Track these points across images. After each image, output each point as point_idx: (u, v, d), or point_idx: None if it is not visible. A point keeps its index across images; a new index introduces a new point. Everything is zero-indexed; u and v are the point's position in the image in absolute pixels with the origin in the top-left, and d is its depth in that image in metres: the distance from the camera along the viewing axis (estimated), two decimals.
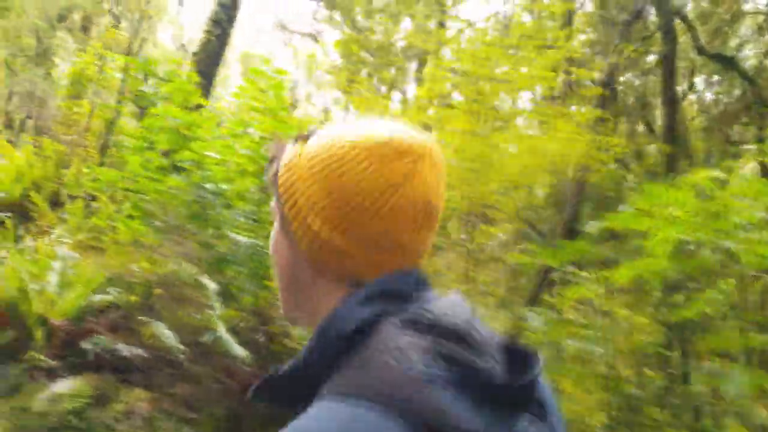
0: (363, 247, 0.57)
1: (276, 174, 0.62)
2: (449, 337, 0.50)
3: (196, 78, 5.16)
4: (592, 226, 3.20)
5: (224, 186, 3.65)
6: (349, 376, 0.50)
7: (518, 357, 0.53)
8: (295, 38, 18.66)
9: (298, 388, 0.55)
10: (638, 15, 8.38)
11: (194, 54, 7.61)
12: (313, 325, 0.57)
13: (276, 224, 0.64)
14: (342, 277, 0.58)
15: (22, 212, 6.62)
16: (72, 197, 7.20)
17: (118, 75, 9.22)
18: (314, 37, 16.86)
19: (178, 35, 20.42)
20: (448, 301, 0.56)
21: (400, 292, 0.56)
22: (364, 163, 0.56)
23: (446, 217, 7.08)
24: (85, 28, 21.79)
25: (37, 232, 5.82)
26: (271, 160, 0.63)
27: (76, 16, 22.15)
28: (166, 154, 3.87)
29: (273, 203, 0.63)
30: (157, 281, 3.60)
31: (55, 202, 7.03)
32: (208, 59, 7.20)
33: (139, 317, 3.36)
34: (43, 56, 20.66)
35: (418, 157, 0.58)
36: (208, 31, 7.26)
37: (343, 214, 0.56)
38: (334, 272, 0.59)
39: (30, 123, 18.76)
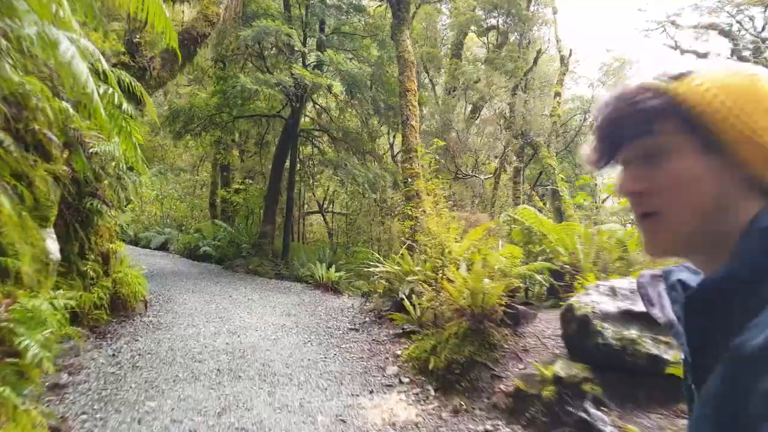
0: None
1: (707, 109, 0.64)
2: None
3: None
4: None
5: None
6: None
7: None
8: None
9: (735, 295, 0.57)
10: None
11: None
12: (716, 249, 0.63)
13: (695, 161, 0.64)
14: (763, 190, 0.62)
15: None
16: None
17: None
18: None
19: None
20: None
21: None
22: None
23: None
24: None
25: None
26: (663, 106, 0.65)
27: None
28: None
29: (665, 142, 0.65)
30: None
31: None
32: None
33: None
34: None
35: None
36: None
37: None
38: (758, 190, 0.63)
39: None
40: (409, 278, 6.46)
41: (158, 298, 8.45)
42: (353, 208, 19.64)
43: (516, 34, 17.21)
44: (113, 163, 6.12)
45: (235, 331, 6.42)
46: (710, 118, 0.63)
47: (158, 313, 7.35)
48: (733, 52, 19.94)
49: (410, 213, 7.68)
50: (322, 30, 14.21)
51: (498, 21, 17.06)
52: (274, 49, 13.59)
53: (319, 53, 12.56)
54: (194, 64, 16.94)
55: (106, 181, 6.38)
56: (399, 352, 5.24)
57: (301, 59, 13.19)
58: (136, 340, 5.79)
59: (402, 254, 6.72)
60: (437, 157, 9.39)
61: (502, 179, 16.66)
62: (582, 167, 21.49)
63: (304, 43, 13.35)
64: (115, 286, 6.62)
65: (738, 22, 19.25)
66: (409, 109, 12.09)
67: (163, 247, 18.92)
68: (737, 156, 0.62)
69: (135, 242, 20.44)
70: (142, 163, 5.13)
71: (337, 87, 12.32)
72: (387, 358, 5.20)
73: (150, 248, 19.16)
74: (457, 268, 5.37)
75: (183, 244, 17.24)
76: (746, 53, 19.22)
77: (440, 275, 5.05)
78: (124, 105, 4.45)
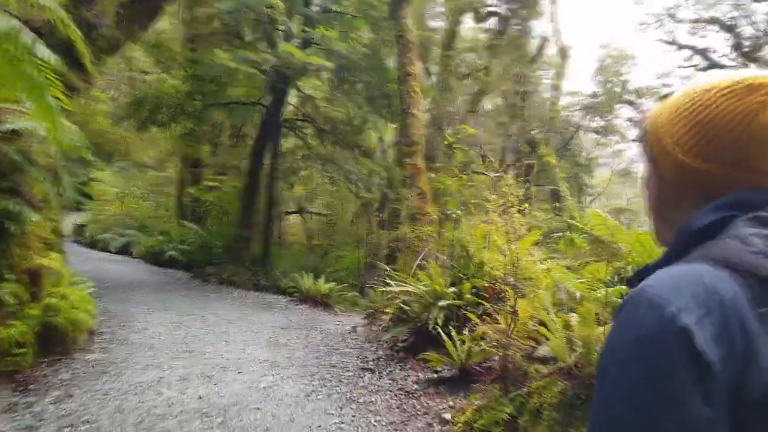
0: (721, 168, 0.65)
1: (644, 129, 0.77)
2: None
3: None
4: None
5: None
6: (696, 252, 0.60)
7: None
8: None
9: None
10: None
11: None
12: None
13: (646, 167, 0.78)
14: (702, 196, 0.67)
15: None
16: None
17: None
18: None
19: None
20: None
21: (751, 202, 0.62)
22: (719, 101, 0.66)
23: None
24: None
25: None
26: (641, 124, 0.79)
27: None
28: None
29: (643, 154, 0.78)
30: None
31: None
32: None
33: None
34: None
35: None
36: None
37: (704, 143, 0.66)
38: (695, 192, 0.68)
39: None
40: (440, 303, 4.95)
41: (111, 321, 6.74)
42: (336, 208, 18.05)
43: (516, 21, 15.89)
44: (47, 148, 4.44)
45: (211, 375, 4.80)
46: (649, 136, 0.75)
47: (108, 344, 5.66)
48: (734, 47, 19.11)
49: (435, 217, 6.19)
50: (307, 7, 12.61)
51: (501, 8, 15.70)
52: (253, 31, 11.89)
53: (308, 29, 10.92)
54: (163, 47, 15.05)
55: (34, 173, 4.68)
56: (447, 416, 3.72)
57: (285, 37, 11.55)
58: (70, 396, 4.12)
59: (431, 269, 5.22)
60: (465, 147, 7.86)
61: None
62: (581, 167, 20.31)
63: (289, 19, 11.72)
64: (47, 314, 4.93)
65: (744, 15, 18.43)
66: (411, 96, 10.57)
67: (123, 250, 16.96)
68: (662, 171, 0.73)
69: (92, 245, 18.40)
70: (68, 136, 3.45)
71: (329, 68, 10.73)
72: (431, 426, 3.68)
73: (109, 252, 17.17)
74: (523, 296, 3.90)
75: (146, 247, 15.36)
76: (746, 49, 18.42)
77: (510, 305, 3.54)
78: (42, 49, 2.80)
